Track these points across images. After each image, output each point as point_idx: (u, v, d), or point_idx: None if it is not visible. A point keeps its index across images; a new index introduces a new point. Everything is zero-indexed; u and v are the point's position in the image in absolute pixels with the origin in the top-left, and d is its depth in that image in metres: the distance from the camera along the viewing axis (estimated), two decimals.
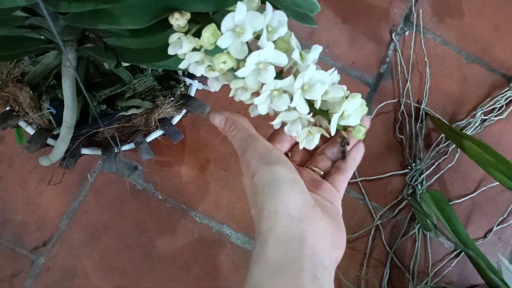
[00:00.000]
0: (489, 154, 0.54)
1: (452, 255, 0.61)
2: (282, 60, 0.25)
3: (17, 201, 0.53)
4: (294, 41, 0.26)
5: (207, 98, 0.59)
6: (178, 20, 0.24)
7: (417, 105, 0.64)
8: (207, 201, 0.57)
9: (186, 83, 0.46)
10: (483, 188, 0.63)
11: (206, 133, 0.59)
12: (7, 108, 0.42)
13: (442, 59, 0.67)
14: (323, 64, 0.64)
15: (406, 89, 0.64)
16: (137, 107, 0.44)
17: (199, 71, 0.25)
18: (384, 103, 0.63)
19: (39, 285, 0.52)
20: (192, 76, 0.46)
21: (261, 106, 0.26)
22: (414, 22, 0.67)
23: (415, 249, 0.59)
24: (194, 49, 0.25)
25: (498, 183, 0.60)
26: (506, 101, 0.66)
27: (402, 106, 0.63)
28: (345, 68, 0.64)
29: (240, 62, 0.25)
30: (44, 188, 0.54)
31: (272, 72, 0.25)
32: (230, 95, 0.27)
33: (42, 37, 0.35)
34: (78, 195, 0.55)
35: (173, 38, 0.25)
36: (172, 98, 0.44)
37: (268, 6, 0.25)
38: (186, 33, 0.26)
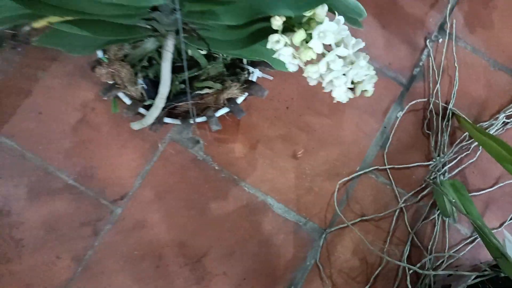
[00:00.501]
0: (506, 151, 0.61)
1: (467, 241, 0.68)
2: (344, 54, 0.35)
3: (102, 161, 0.65)
4: (348, 38, 0.36)
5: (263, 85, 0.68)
6: (278, 21, 0.34)
7: (445, 105, 0.71)
8: (255, 174, 0.67)
9: (249, 70, 0.56)
10: (501, 184, 0.70)
11: (257, 118, 0.69)
12: (111, 82, 0.53)
13: (471, 65, 0.74)
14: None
15: (435, 90, 0.71)
16: (209, 88, 0.55)
17: (287, 59, 0.36)
18: (415, 101, 0.71)
19: (115, 230, 0.64)
20: (254, 65, 0.56)
21: (335, 78, 0.37)
22: (447, 31, 0.74)
23: (434, 232, 0.67)
24: (286, 45, 0.36)
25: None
26: None
27: (431, 105, 0.71)
28: (382, 68, 0.73)
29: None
30: (124, 152, 0.65)
31: (339, 63, 0.35)
32: (306, 71, 0.38)
33: (149, 27, 0.46)
34: (150, 160, 0.66)
35: (274, 38, 0.35)
36: (237, 82, 0.55)
37: (339, 17, 0.35)
38: (278, 31, 0.36)
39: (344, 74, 0.40)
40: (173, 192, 0.65)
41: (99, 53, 0.53)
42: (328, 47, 0.38)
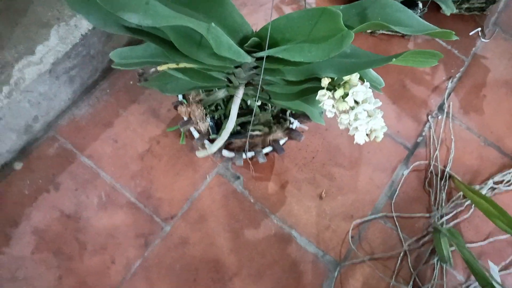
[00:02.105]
0: (494, 208, 0.74)
1: (463, 286, 0.78)
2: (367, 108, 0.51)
3: (159, 184, 0.79)
4: (372, 98, 0.53)
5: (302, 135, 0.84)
6: (326, 81, 0.51)
7: (443, 168, 0.86)
8: (283, 209, 0.80)
9: (291, 120, 0.72)
10: (491, 239, 0.81)
11: (289, 163, 0.84)
12: (186, 118, 0.70)
13: (465, 140, 0.90)
14: None
15: (435, 156, 0.87)
16: (260, 130, 0.71)
17: (328, 108, 0.52)
18: (418, 162, 0.86)
19: (163, 244, 0.75)
20: (295, 117, 0.72)
21: (359, 125, 0.52)
22: (445, 110, 0.92)
23: (433, 275, 0.77)
24: (329, 98, 0.52)
25: (505, 236, 0.79)
26: None
27: (431, 167, 0.85)
28: (392, 135, 0.89)
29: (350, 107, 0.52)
30: (178, 179, 0.79)
31: (364, 114, 0.51)
32: (340, 120, 0.53)
33: (226, 80, 0.63)
34: (198, 189, 0.79)
35: (322, 92, 0.52)
36: (281, 128, 0.71)
37: (366, 83, 0.52)
38: (325, 88, 0.53)
39: (367, 123, 0.56)
40: (214, 217, 0.78)
41: (180, 96, 0.70)
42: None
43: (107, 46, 0.79)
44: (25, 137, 0.76)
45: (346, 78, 0.54)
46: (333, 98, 0.55)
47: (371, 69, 0.60)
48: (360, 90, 0.54)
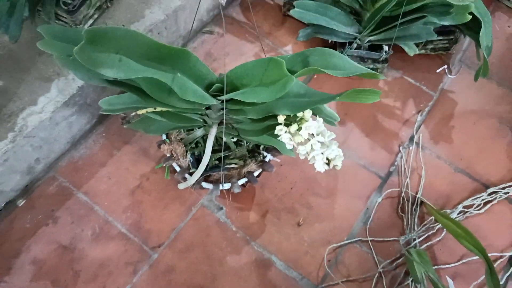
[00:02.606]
0: (460, 229, 0.79)
1: None
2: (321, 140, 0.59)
3: (148, 217, 0.86)
4: (325, 131, 0.60)
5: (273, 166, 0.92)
6: (281, 118, 0.59)
7: (415, 194, 0.92)
8: (264, 236, 0.86)
9: (264, 154, 0.80)
10: (464, 260, 0.85)
11: (268, 194, 0.90)
12: (168, 155, 0.78)
13: (436, 167, 0.96)
14: (351, 161, 0.96)
15: (406, 183, 0.93)
16: (236, 164, 0.78)
17: (286, 141, 0.59)
18: (391, 190, 0.92)
19: (150, 271, 0.81)
20: (268, 151, 0.80)
21: (315, 155, 0.59)
22: (415, 141, 0.99)
23: None
24: (286, 132, 0.60)
25: (477, 257, 0.83)
26: (483, 201, 0.92)
27: (403, 194, 0.91)
28: (366, 165, 0.96)
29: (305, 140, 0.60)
30: (165, 212, 0.86)
31: (319, 145, 0.58)
32: (298, 151, 0.61)
33: (201, 120, 0.72)
34: (184, 220, 0.86)
35: (279, 127, 0.60)
36: (255, 161, 0.78)
37: (319, 120, 0.60)
38: (283, 124, 0.61)
39: (322, 153, 0.63)
40: (199, 245, 0.84)
41: (164, 136, 0.79)
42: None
43: (103, 95, 0.90)
44: (27, 177, 0.85)
45: (299, 114, 0.62)
46: (290, 132, 0.63)
47: (326, 106, 0.68)
48: (312, 125, 0.61)
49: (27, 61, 0.82)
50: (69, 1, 0.80)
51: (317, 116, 0.63)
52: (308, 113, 0.62)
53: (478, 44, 0.95)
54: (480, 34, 0.92)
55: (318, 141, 0.62)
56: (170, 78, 0.53)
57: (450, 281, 0.66)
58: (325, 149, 0.62)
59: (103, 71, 0.50)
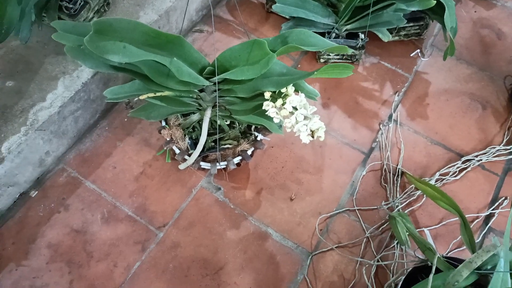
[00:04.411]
0: (436, 192, 0.87)
1: (420, 264, 0.88)
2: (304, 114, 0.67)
3: (152, 199, 0.93)
4: (307, 105, 0.68)
5: (264, 144, 1.00)
6: (268, 94, 0.67)
7: (396, 166, 1.00)
8: (260, 211, 0.93)
9: (255, 134, 0.88)
10: (444, 222, 0.93)
11: (262, 173, 0.98)
12: (168, 138, 0.86)
13: (413, 141, 1.05)
14: (336, 140, 1.04)
15: (387, 157, 1.01)
16: (230, 144, 0.86)
17: (273, 115, 0.67)
18: (373, 163, 1.00)
19: (157, 248, 0.88)
20: (258, 131, 0.88)
21: (300, 127, 0.67)
22: (393, 119, 1.07)
23: (394, 257, 0.89)
24: (272, 107, 0.68)
25: (455, 218, 0.92)
26: (458, 169, 1.00)
27: (385, 166, 0.99)
28: (349, 143, 1.04)
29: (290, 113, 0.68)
30: (168, 194, 0.94)
31: (302, 118, 0.66)
32: (284, 124, 0.68)
33: (196, 104, 0.80)
34: (186, 200, 0.94)
35: (266, 103, 0.68)
36: (248, 141, 0.86)
37: (301, 95, 0.68)
38: (270, 100, 0.69)
39: (306, 125, 0.71)
40: (200, 222, 0.91)
41: (163, 122, 0.87)
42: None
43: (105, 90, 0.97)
44: (39, 169, 0.92)
45: (283, 90, 0.70)
46: (276, 107, 0.71)
47: (306, 84, 0.77)
48: (294, 99, 0.69)
49: (35, 63, 0.90)
50: (71, 6, 0.88)
51: (300, 92, 0.72)
52: (290, 88, 0.70)
53: (444, 27, 1.04)
54: (445, 17, 1.02)
55: (301, 114, 0.70)
56: (168, 61, 0.62)
57: (427, 232, 0.74)
58: (308, 121, 0.70)
59: (110, 57, 0.58)
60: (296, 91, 0.73)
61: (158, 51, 0.63)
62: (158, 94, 0.72)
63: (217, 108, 0.78)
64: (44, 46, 0.94)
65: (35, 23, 0.84)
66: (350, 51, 0.66)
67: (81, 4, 0.91)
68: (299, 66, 1.17)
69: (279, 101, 0.69)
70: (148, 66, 0.64)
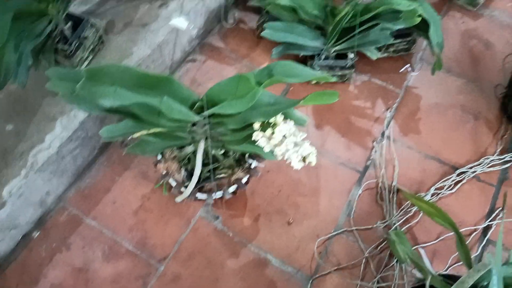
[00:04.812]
0: (432, 208, 0.88)
1: (417, 284, 0.88)
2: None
3: (152, 233, 0.94)
4: (296, 132, 0.70)
5: (258, 171, 1.01)
6: (257, 125, 0.69)
7: (391, 183, 1.01)
8: (258, 238, 0.94)
9: (249, 161, 0.89)
10: (442, 238, 0.94)
11: (259, 199, 0.99)
12: (164, 172, 0.87)
13: (407, 157, 1.06)
14: (330, 160, 1.05)
15: (382, 174, 1.02)
16: (225, 173, 0.88)
17: (263, 144, 0.69)
18: (369, 181, 1.01)
19: (159, 282, 0.89)
20: (252, 158, 0.90)
21: (291, 154, 0.68)
22: (386, 135, 1.09)
23: (394, 276, 0.89)
24: (262, 137, 0.70)
25: (451, 233, 0.92)
26: (453, 182, 1.01)
27: (380, 184, 1.00)
28: (344, 162, 1.05)
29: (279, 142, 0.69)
30: (167, 227, 0.95)
31: (292, 145, 0.67)
32: (275, 152, 0.70)
33: (189, 137, 0.82)
34: (185, 232, 0.95)
35: (255, 134, 0.69)
36: (242, 169, 0.88)
37: (290, 123, 0.70)
38: (259, 130, 0.70)
39: (296, 152, 0.72)
40: (200, 253, 0.92)
41: (159, 156, 0.89)
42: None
43: (102, 127, 0.99)
44: (40, 209, 0.94)
45: (272, 120, 0.72)
46: (266, 136, 0.72)
47: (295, 111, 0.79)
48: (283, 128, 0.71)
49: (33, 104, 0.93)
50: (66, 47, 0.91)
51: (288, 120, 0.73)
52: (279, 118, 0.72)
53: (430, 42, 1.07)
54: (430, 33, 1.04)
55: (291, 141, 0.72)
56: (158, 101, 0.64)
57: (422, 251, 0.75)
58: (299, 148, 0.72)
59: (102, 101, 0.60)
60: (285, 119, 0.74)
61: (149, 91, 0.65)
62: (151, 131, 0.73)
63: (210, 140, 0.80)
64: (42, 87, 0.97)
65: (32, 66, 0.86)
66: (334, 79, 0.68)
67: (76, 45, 0.95)
68: (291, 88, 1.19)
69: (269, 131, 0.71)
70: (140, 106, 0.66)
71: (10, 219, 0.86)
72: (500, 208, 0.98)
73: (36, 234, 0.93)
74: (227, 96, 0.69)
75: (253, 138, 0.72)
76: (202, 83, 1.19)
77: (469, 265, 0.76)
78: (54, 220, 0.95)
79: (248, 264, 0.91)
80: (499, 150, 1.07)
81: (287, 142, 0.71)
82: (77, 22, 0.95)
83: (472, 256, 0.92)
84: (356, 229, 0.95)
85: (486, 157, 1.06)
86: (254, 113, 0.72)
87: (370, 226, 0.95)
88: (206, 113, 0.69)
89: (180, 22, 0.62)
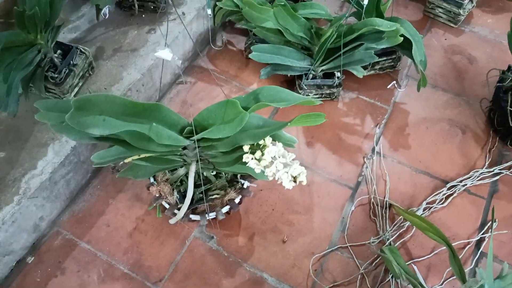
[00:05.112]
0: (424, 222, 0.89)
1: None
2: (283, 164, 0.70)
3: (147, 255, 0.94)
4: (285, 153, 0.71)
5: (251, 191, 1.02)
6: (246, 147, 0.70)
7: (383, 198, 1.02)
8: (253, 257, 0.95)
9: (241, 182, 0.90)
10: (436, 251, 0.94)
11: (253, 218, 1.00)
12: (157, 195, 0.88)
13: (398, 172, 1.08)
14: (322, 178, 1.06)
15: (374, 190, 1.03)
16: (217, 194, 0.89)
17: (253, 166, 0.70)
18: (361, 198, 1.02)
19: None
20: (244, 178, 0.91)
21: (281, 175, 0.70)
22: (376, 151, 1.10)
23: None
24: (252, 159, 0.71)
25: (445, 247, 0.93)
26: (444, 196, 1.02)
27: (372, 200, 1.01)
28: (336, 179, 1.06)
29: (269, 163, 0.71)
30: (162, 248, 0.95)
31: (282, 166, 0.69)
32: (266, 173, 0.71)
33: (181, 160, 0.83)
34: (180, 252, 0.95)
35: (245, 156, 0.71)
36: (234, 189, 0.89)
37: (279, 144, 0.71)
38: (249, 152, 0.72)
39: (287, 172, 0.73)
40: (195, 273, 0.92)
41: (151, 179, 0.89)
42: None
43: (94, 152, 0.99)
44: (34, 235, 0.94)
45: (261, 142, 0.73)
46: (255, 158, 0.74)
47: (284, 132, 0.80)
48: (272, 149, 0.72)
49: (25, 131, 0.94)
50: (56, 75, 0.93)
51: (277, 142, 0.75)
52: (268, 140, 0.73)
53: (413, 60, 1.09)
54: (413, 51, 1.07)
55: (281, 162, 0.73)
56: (147, 128, 0.65)
57: (415, 267, 0.75)
58: (288, 168, 0.73)
59: (91, 130, 0.61)
60: (274, 140, 0.76)
61: (137, 119, 0.67)
62: (142, 156, 0.75)
63: (201, 163, 0.81)
64: (33, 114, 0.98)
65: (22, 95, 0.88)
66: (318, 103, 0.69)
67: (66, 72, 0.96)
68: (280, 107, 1.21)
69: (258, 153, 0.72)
70: (129, 134, 0.68)
71: (4, 246, 0.86)
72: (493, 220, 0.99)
73: (30, 260, 0.93)
74: (216, 120, 0.71)
75: (243, 160, 0.73)
76: (193, 104, 1.21)
77: (463, 279, 0.77)
78: (48, 244, 0.95)
79: (244, 283, 0.91)
80: (487, 163, 1.09)
81: (277, 164, 0.72)
82: (66, 50, 0.97)
83: (467, 269, 0.94)
84: (350, 245, 0.96)
85: (475, 170, 1.07)
86: (243, 136, 0.73)
87: (364, 242, 0.96)
88: (196, 137, 0.71)
89: (164, 53, 0.64)
